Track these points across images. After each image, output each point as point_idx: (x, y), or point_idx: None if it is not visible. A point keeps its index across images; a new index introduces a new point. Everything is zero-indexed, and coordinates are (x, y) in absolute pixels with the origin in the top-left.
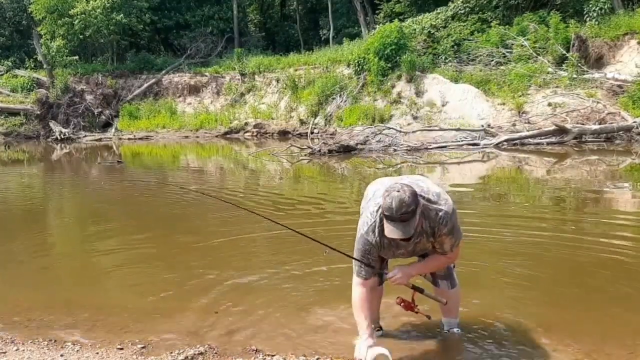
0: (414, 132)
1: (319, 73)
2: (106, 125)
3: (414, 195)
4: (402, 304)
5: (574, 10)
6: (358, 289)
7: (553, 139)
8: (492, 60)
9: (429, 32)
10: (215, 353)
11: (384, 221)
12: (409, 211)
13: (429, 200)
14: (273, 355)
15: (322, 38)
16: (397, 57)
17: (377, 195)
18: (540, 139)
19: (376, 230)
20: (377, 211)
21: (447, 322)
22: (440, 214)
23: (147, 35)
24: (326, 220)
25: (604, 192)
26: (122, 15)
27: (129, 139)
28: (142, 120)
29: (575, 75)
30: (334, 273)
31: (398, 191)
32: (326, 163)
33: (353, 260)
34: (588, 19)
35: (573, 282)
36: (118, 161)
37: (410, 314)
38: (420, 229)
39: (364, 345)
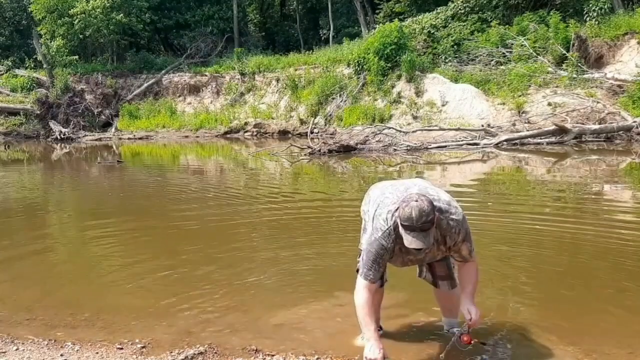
0: (413, 131)
1: (319, 73)
2: (106, 125)
3: (432, 204)
4: (470, 342)
5: (574, 10)
6: (364, 292)
7: (553, 139)
8: (492, 60)
9: (429, 32)
10: (215, 353)
11: (403, 232)
12: (429, 220)
13: (439, 210)
14: (273, 355)
15: (322, 38)
16: (397, 57)
17: (386, 202)
18: (540, 138)
19: (390, 237)
20: (391, 218)
21: (448, 322)
22: (452, 223)
23: (147, 35)
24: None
25: (604, 191)
26: (122, 15)
27: (128, 138)
28: (142, 120)
29: (575, 75)
30: (334, 272)
31: (416, 201)
32: (326, 163)
33: (362, 262)
34: (588, 18)
35: (573, 281)
36: (118, 161)
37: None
38: None
39: (376, 346)
